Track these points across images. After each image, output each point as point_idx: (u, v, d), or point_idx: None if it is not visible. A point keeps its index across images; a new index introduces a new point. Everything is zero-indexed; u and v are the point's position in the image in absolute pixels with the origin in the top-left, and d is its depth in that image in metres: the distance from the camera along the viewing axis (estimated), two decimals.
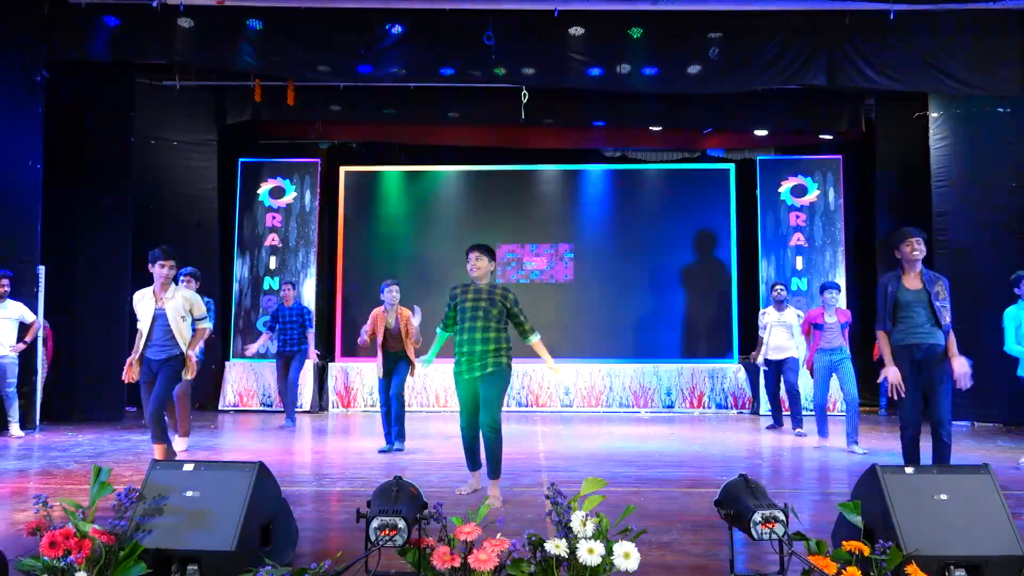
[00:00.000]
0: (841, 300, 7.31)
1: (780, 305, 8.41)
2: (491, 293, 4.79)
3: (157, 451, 5.52)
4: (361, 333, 6.77)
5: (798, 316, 8.34)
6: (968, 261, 9.07)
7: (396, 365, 6.79)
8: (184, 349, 5.53)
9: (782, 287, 8.51)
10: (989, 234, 8.93)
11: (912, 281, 4.80)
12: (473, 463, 4.94)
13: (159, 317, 5.51)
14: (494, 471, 4.73)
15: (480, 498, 4.44)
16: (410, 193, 11.49)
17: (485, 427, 4.67)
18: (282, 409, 8.98)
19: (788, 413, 8.45)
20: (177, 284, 6.10)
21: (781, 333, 8.32)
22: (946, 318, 4.71)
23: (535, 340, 4.93)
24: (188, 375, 5.63)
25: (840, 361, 7.11)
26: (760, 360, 8.51)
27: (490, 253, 4.84)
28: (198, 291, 6.78)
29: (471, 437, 4.86)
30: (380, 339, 6.76)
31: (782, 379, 8.47)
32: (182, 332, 5.54)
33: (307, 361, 8.92)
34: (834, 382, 7.41)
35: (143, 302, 5.57)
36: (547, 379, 10.57)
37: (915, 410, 4.74)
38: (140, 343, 5.53)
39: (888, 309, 4.83)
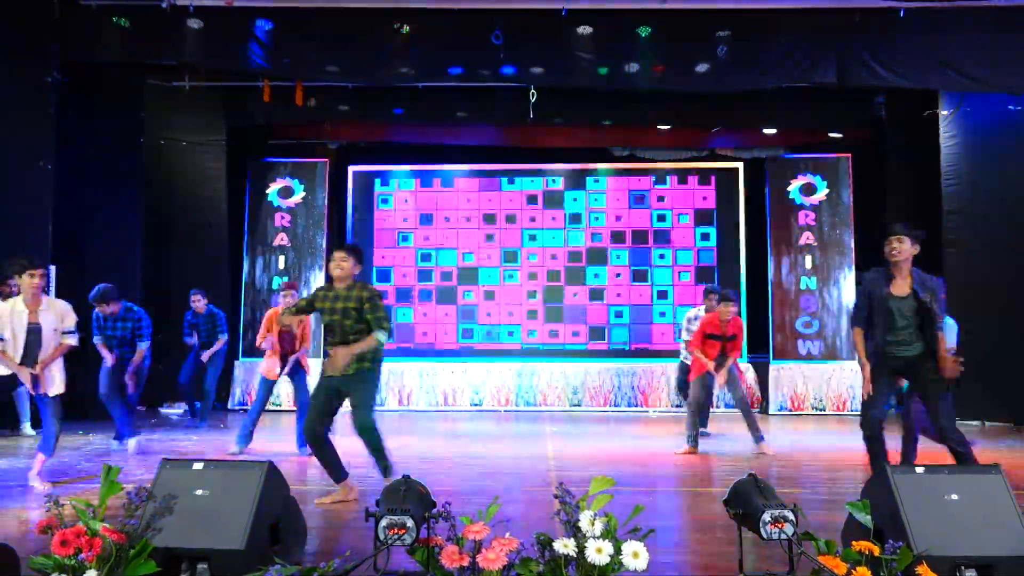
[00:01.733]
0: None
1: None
2: (348, 295, 4.66)
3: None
4: (268, 338, 6.65)
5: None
6: (978, 259, 9.01)
7: (290, 368, 6.72)
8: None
9: (716, 295, 7.67)
10: (1000, 232, 8.87)
11: (900, 286, 4.49)
12: (332, 472, 4.72)
13: (33, 332, 5.10)
14: (386, 469, 4.72)
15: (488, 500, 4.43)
16: (419, 192, 11.51)
17: (359, 430, 4.64)
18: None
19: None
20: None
21: None
22: (936, 322, 4.44)
23: (378, 336, 4.59)
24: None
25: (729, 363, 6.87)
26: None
27: (357, 254, 4.74)
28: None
29: (313, 441, 4.69)
30: (275, 339, 6.64)
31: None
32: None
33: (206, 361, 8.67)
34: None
35: (13, 316, 5.05)
36: (555, 379, 10.57)
37: (879, 415, 4.50)
38: (9, 362, 5.05)
39: (864, 312, 4.57)
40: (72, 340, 5.30)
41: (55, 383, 5.19)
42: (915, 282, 4.47)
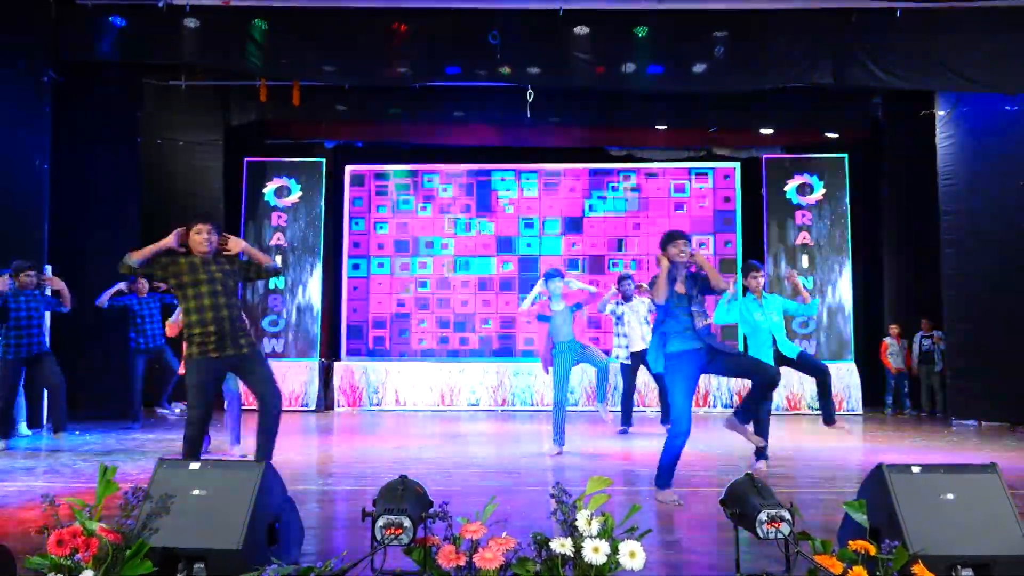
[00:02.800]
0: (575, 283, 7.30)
1: (627, 298, 8.07)
2: (221, 260, 4.47)
3: None
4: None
5: (643, 303, 8.07)
6: (975, 259, 9.03)
7: None
8: None
9: (629, 281, 8.15)
10: (996, 232, 8.89)
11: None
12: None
13: None
14: (271, 452, 4.44)
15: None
16: (415, 192, 11.50)
17: (278, 400, 4.46)
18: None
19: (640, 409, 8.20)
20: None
21: (636, 321, 8.02)
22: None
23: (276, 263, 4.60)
24: None
25: (581, 350, 6.87)
26: (625, 354, 8.07)
27: (219, 230, 4.53)
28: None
29: (205, 429, 4.55)
30: None
31: (641, 373, 8.24)
32: None
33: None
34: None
35: None
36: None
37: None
38: None
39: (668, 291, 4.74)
40: None
41: None
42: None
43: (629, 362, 8.07)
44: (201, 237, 4.40)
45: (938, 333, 9.91)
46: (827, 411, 5.96)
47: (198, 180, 10.41)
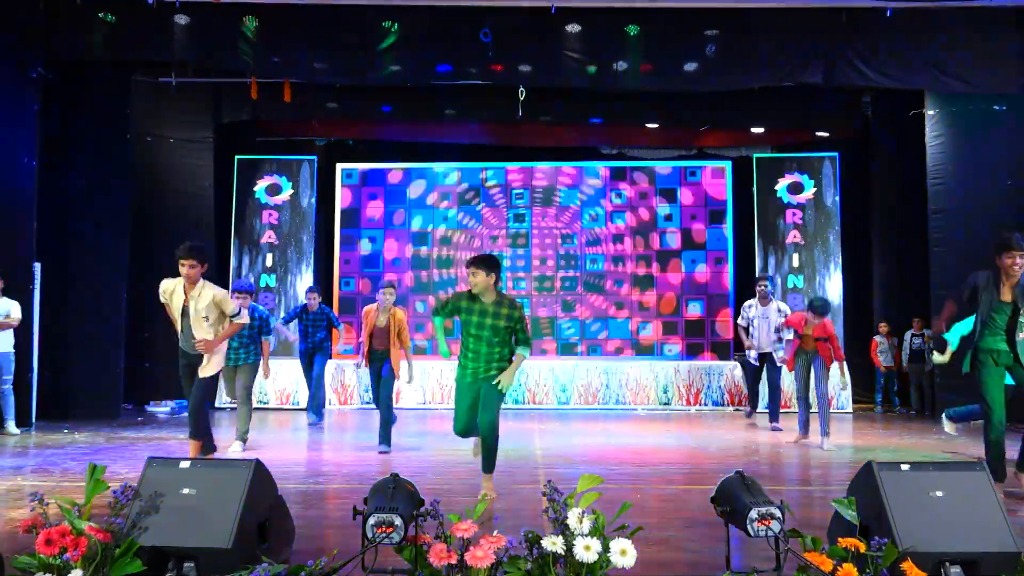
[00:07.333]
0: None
1: (764, 300, 8.42)
2: (497, 310, 4.64)
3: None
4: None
5: (778, 311, 8.32)
6: (964, 258, 9.06)
7: (380, 366, 6.80)
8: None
9: (766, 282, 8.55)
10: (985, 231, 8.92)
11: (1006, 293, 4.92)
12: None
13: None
14: (488, 466, 4.73)
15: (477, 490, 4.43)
16: (407, 190, 11.49)
17: (483, 426, 4.65)
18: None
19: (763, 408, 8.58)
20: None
21: (765, 328, 8.34)
22: None
23: (522, 353, 4.74)
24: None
25: (815, 359, 7.10)
26: (754, 355, 8.47)
27: (488, 266, 4.60)
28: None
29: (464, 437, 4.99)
30: (367, 334, 6.85)
31: (764, 374, 8.65)
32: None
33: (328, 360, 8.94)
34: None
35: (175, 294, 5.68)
36: (544, 377, 10.57)
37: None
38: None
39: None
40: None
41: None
42: (1019, 291, 4.89)
43: (757, 363, 8.52)
44: (470, 278, 4.65)
45: (928, 332, 9.96)
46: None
47: (188, 178, 10.36)
